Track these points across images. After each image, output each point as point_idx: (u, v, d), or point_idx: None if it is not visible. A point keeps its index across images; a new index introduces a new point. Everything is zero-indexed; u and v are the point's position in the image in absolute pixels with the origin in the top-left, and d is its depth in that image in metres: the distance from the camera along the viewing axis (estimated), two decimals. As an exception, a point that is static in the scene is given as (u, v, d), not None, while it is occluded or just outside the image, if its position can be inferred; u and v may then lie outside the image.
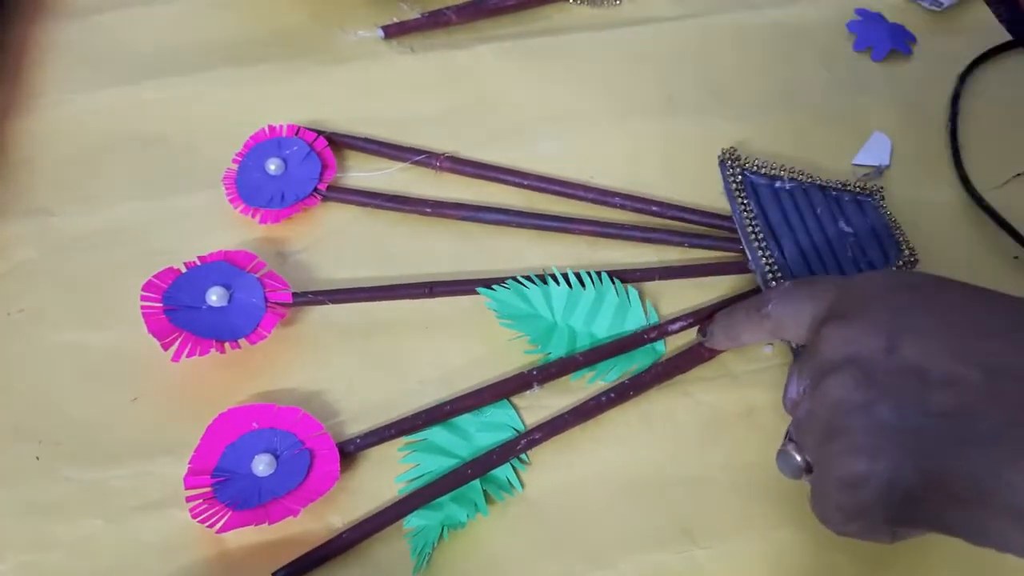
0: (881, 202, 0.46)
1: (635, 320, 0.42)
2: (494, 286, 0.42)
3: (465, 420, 0.39)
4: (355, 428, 0.39)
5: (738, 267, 0.43)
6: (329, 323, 0.42)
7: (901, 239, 0.44)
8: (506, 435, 0.39)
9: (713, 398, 0.40)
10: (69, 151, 0.47)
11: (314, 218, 0.45)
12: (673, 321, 0.42)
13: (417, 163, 0.47)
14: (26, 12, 0.53)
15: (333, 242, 0.45)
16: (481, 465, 0.38)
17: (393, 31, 0.52)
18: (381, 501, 0.37)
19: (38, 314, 0.42)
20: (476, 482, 0.37)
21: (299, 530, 0.36)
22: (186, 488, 0.36)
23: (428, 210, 0.45)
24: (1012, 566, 0.35)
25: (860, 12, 0.54)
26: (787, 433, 0.34)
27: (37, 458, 0.38)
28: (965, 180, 0.47)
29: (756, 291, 0.43)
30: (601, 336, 0.41)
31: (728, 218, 0.45)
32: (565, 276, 0.42)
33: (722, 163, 0.46)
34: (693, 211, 0.45)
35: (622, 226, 0.44)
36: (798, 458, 0.33)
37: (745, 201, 0.44)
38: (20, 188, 0.46)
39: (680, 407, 0.40)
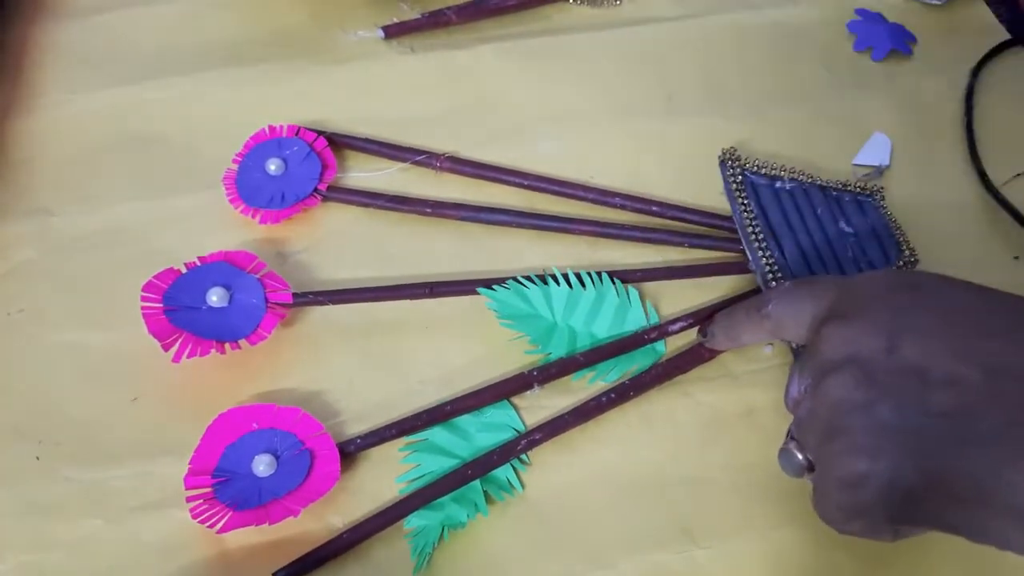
0: (881, 202, 0.46)
1: (635, 320, 0.42)
2: (494, 286, 0.42)
3: (465, 420, 0.39)
4: (355, 428, 0.39)
5: (738, 267, 0.43)
6: (329, 323, 0.42)
7: (901, 239, 0.44)
8: (506, 435, 0.39)
9: (713, 398, 0.40)
10: (69, 151, 0.47)
11: (314, 218, 0.45)
12: (673, 321, 0.42)
13: (417, 163, 0.47)
14: (26, 12, 0.53)
15: (333, 242, 0.45)
16: (481, 465, 0.38)
17: (393, 31, 0.52)
18: (381, 501, 0.37)
19: (38, 314, 0.42)
20: (476, 482, 0.37)
21: (299, 530, 0.36)
22: (186, 488, 0.36)
23: (428, 210, 0.45)
24: (1012, 564, 0.35)
25: (860, 12, 0.54)
26: (789, 432, 0.34)
27: (37, 458, 0.38)
28: (983, 174, 0.47)
29: (756, 291, 0.43)
30: (601, 336, 0.41)
31: (728, 218, 0.45)
32: (565, 276, 0.42)
33: (722, 163, 0.46)
34: (693, 211, 0.45)
35: (622, 226, 0.44)
36: (800, 457, 0.33)
37: (745, 201, 0.44)
38: (20, 188, 0.46)
39: (680, 407, 0.40)
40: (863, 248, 0.44)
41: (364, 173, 0.47)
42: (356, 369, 0.41)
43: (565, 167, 0.47)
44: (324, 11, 0.53)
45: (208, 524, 0.35)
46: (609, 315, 0.42)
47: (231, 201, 0.45)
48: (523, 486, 0.38)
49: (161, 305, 0.40)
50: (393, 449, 0.38)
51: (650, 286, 0.43)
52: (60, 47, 0.51)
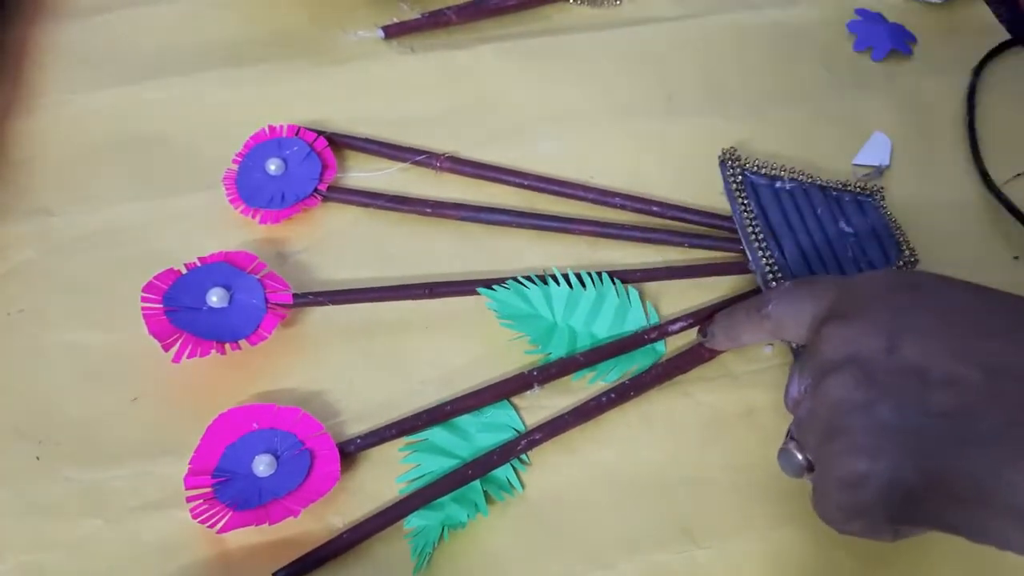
0: (881, 202, 0.46)
1: (635, 320, 0.42)
2: (494, 286, 0.42)
3: (465, 420, 0.39)
4: (355, 428, 0.39)
5: (738, 267, 0.43)
6: (329, 323, 0.42)
7: (901, 239, 0.44)
8: (506, 435, 0.39)
9: (713, 398, 0.40)
10: (69, 151, 0.47)
11: (314, 218, 0.45)
12: (673, 321, 0.42)
13: (417, 163, 0.47)
14: (27, 12, 0.53)
15: (333, 242, 0.45)
16: (481, 465, 0.38)
17: (393, 31, 0.52)
18: (381, 501, 0.37)
19: (38, 314, 0.42)
20: (476, 482, 0.37)
21: (299, 530, 0.36)
22: (186, 488, 0.36)
23: (428, 210, 0.45)
24: (1012, 564, 0.35)
25: (860, 12, 0.54)
26: (788, 432, 0.34)
27: (37, 458, 0.38)
28: (984, 173, 0.47)
29: (756, 291, 0.43)
30: (601, 336, 0.41)
31: (728, 218, 0.45)
32: (565, 276, 0.42)
33: (722, 163, 0.46)
34: (693, 211, 0.45)
35: (622, 226, 0.44)
36: (800, 457, 0.33)
37: (745, 201, 0.44)
38: (20, 188, 0.46)
39: (680, 407, 0.40)
40: (863, 248, 0.44)
41: (364, 173, 0.47)
42: (356, 369, 0.41)
43: (565, 167, 0.47)
44: (324, 11, 0.53)
45: (208, 524, 0.35)
46: (609, 315, 0.42)
47: (231, 201, 0.45)
48: (523, 486, 0.38)
49: (161, 306, 0.40)
50: (393, 449, 0.39)
51: (650, 286, 0.43)
52: (60, 47, 0.51)
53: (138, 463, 0.38)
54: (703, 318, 0.41)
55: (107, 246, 0.44)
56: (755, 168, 0.46)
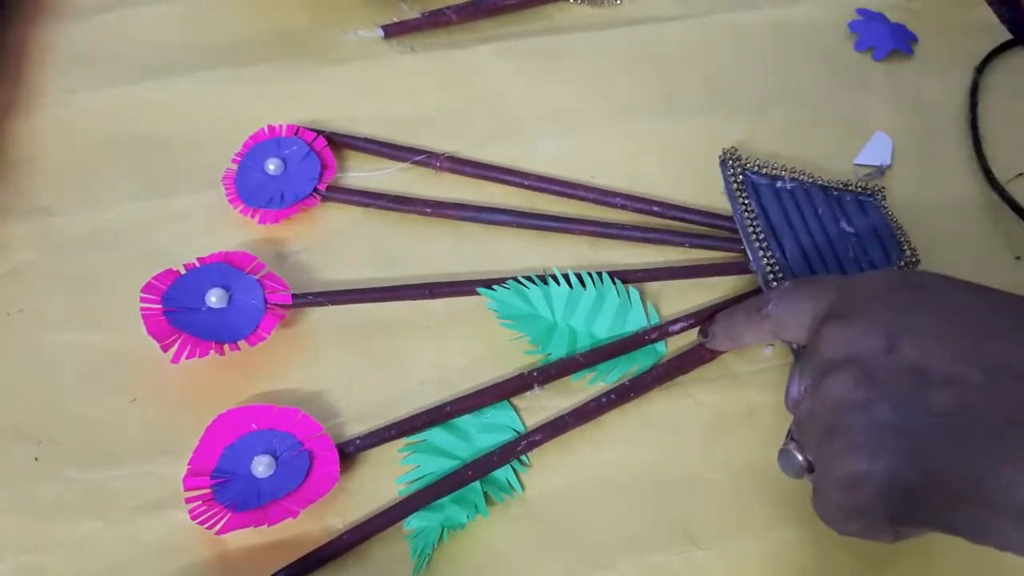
0: (882, 202, 0.46)
1: (636, 321, 0.42)
2: (494, 286, 0.42)
3: (465, 421, 0.39)
4: (355, 429, 0.39)
5: (739, 267, 0.43)
6: (329, 324, 0.42)
7: (902, 239, 0.44)
8: (506, 436, 0.39)
9: (714, 399, 0.40)
10: (69, 151, 0.47)
11: (314, 218, 0.45)
12: (674, 322, 0.42)
13: (417, 163, 0.47)
14: (27, 12, 0.53)
15: (333, 242, 0.45)
16: (481, 466, 0.38)
17: (393, 31, 0.52)
18: (381, 502, 0.37)
19: (38, 314, 0.42)
20: (476, 483, 0.37)
21: (299, 532, 0.36)
22: (185, 489, 0.36)
23: (428, 210, 0.45)
24: (1012, 565, 0.35)
25: (862, 12, 0.54)
26: (789, 432, 0.34)
27: (36, 459, 0.38)
28: (987, 171, 0.47)
29: (757, 291, 0.43)
30: (602, 337, 0.41)
31: (729, 218, 0.45)
32: (566, 276, 0.42)
33: (723, 163, 0.46)
34: (694, 211, 0.45)
35: (623, 226, 0.44)
36: (800, 457, 0.33)
37: (746, 201, 0.44)
38: (20, 188, 0.46)
39: (681, 408, 0.40)
40: (864, 248, 0.44)
41: (364, 173, 0.47)
42: (356, 370, 0.41)
43: (565, 167, 0.47)
44: (324, 11, 0.53)
45: (207, 525, 0.35)
46: (609, 315, 0.42)
47: (230, 201, 0.45)
48: (523, 487, 0.38)
49: (160, 306, 0.40)
50: (393, 450, 0.38)
51: (651, 286, 0.43)
52: (60, 47, 0.51)
53: (137, 463, 0.38)
54: (704, 318, 0.41)
55: (107, 246, 0.44)
56: (756, 168, 0.46)
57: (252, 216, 0.44)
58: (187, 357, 0.39)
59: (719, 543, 0.37)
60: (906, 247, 0.44)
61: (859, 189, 0.46)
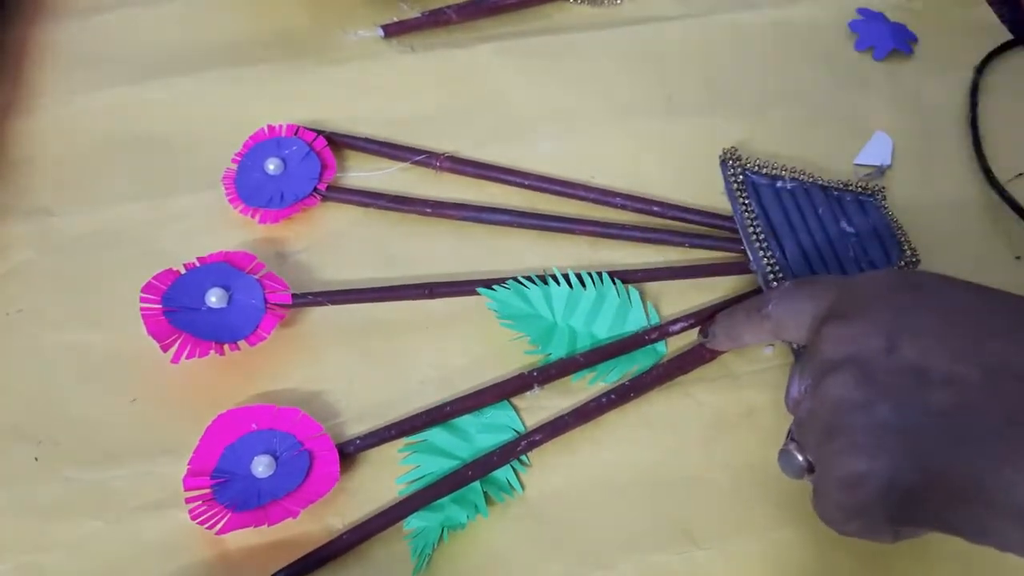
0: (883, 202, 0.46)
1: (636, 321, 0.42)
2: (494, 286, 0.42)
3: (465, 421, 0.39)
4: (355, 429, 0.39)
5: (739, 267, 0.43)
6: (329, 324, 0.42)
7: (903, 239, 0.44)
8: (506, 436, 0.39)
9: (714, 399, 0.40)
10: (69, 151, 0.47)
11: (314, 218, 0.45)
12: (674, 322, 0.42)
13: (417, 163, 0.47)
14: (27, 12, 0.53)
15: (333, 242, 0.45)
16: (481, 466, 0.38)
17: (393, 30, 0.52)
18: (381, 502, 0.37)
19: (37, 314, 0.42)
20: (476, 483, 0.37)
21: (299, 531, 0.36)
22: (185, 489, 0.36)
23: (428, 210, 0.45)
24: (1012, 565, 0.35)
25: (862, 12, 0.54)
26: (789, 432, 0.34)
27: (36, 459, 0.38)
28: (987, 171, 0.47)
29: (757, 291, 0.43)
30: (602, 337, 0.41)
31: (729, 218, 0.45)
32: (566, 276, 0.42)
33: (723, 163, 0.46)
34: (694, 211, 0.45)
35: (623, 226, 0.44)
36: (800, 458, 0.33)
37: (746, 201, 0.44)
38: (20, 188, 0.46)
39: (681, 408, 0.40)
40: (864, 248, 0.44)
41: (364, 173, 0.47)
42: (356, 370, 0.41)
43: (565, 167, 0.47)
44: (324, 10, 0.53)
45: (207, 525, 0.35)
46: (610, 315, 0.42)
47: (230, 201, 0.45)
48: (523, 487, 0.38)
49: (160, 306, 0.40)
50: (393, 450, 0.38)
51: (651, 286, 0.43)
52: (60, 47, 0.51)
53: (137, 463, 0.38)
54: (704, 318, 0.41)
55: (107, 246, 0.44)
56: (756, 168, 0.46)
57: (252, 216, 0.44)
58: (187, 357, 0.39)
59: (719, 543, 0.37)
60: (906, 247, 0.44)
61: (859, 189, 0.46)
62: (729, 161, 0.46)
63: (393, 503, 0.37)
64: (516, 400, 0.40)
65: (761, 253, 0.43)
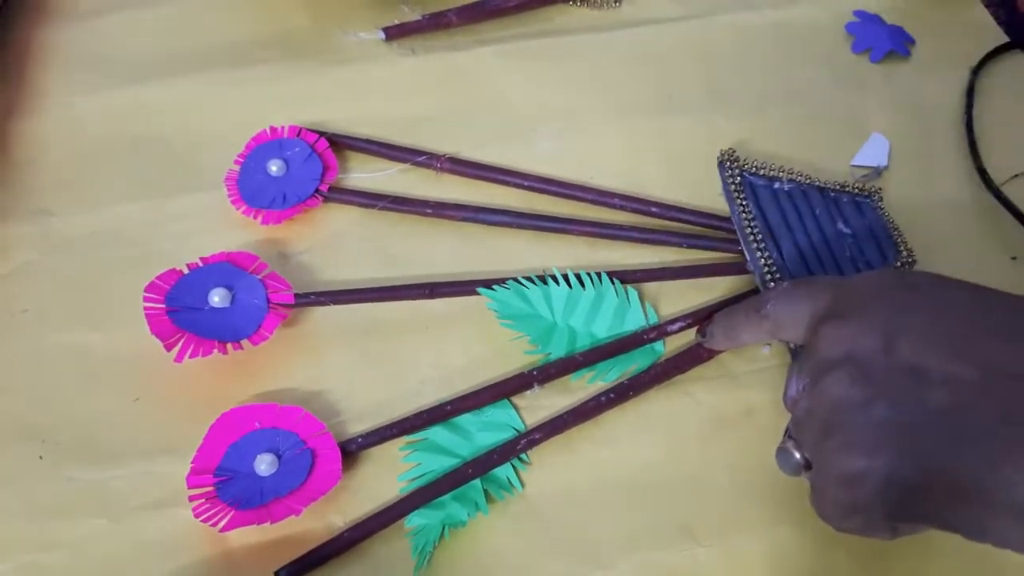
0: (879, 203, 0.46)
1: (634, 320, 0.42)
2: (494, 286, 0.42)
3: (466, 420, 0.39)
4: (357, 427, 0.39)
5: (737, 268, 0.44)
6: (330, 323, 0.42)
7: (899, 240, 0.44)
8: (506, 435, 0.39)
9: (712, 398, 0.41)
10: (71, 153, 0.47)
11: (315, 219, 0.46)
12: (672, 321, 0.42)
13: (418, 164, 0.47)
14: (29, 15, 0.53)
15: (334, 243, 0.45)
16: (482, 465, 0.38)
17: (394, 33, 0.52)
18: (382, 500, 0.37)
19: (40, 315, 0.42)
20: (477, 481, 0.38)
21: (301, 529, 0.36)
22: (188, 487, 0.36)
23: (429, 211, 0.45)
24: (1012, 563, 0.35)
25: (859, 14, 0.54)
26: (786, 430, 0.34)
27: (40, 458, 0.38)
28: (983, 172, 0.47)
29: (755, 292, 0.43)
30: (601, 336, 0.42)
31: (727, 219, 0.45)
32: (565, 276, 0.43)
33: (721, 164, 0.46)
34: (692, 212, 0.45)
35: (621, 227, 0.45)
36: (797, 455, 0.33)
37: (744, 202, 0.45)
38: (22, 189, 0.46)
39: (680, 407, 0.40)
40: (861, 249, 0.44)
41: (365, 174, 0.47)
42: (357, 369, 0.41)
43: (565, 167, 0.47)
44: (325, 13, 0.53)
45: (210, 523, 0.35)
46: (608, 315, 0.42)
47: (233, 202, 0.45)
48: (523, 485, 0.38)
49: (163, 306, 0.40)
50: (394, 448, 0.39)
51: (649, 286, 0.43)
52: (62, 49, 0.52)
53: (140, 463, 0.38)
54: (702, 318, 0.42)
55: (109, 247, 0.44)
56: (753, 169, 0.46)
57: (254, 217, 0.44)
58: (190, 356, 0.39)
59: (718, 541, 0.37)
60: (903, 248, 0.44)
61: (856, 190, 0.46)
62: (727, 162, 0.46)
63: (394, 501, 0.37)
64: (516, 399, 0.40)
65: (758, 254, 0.43)
